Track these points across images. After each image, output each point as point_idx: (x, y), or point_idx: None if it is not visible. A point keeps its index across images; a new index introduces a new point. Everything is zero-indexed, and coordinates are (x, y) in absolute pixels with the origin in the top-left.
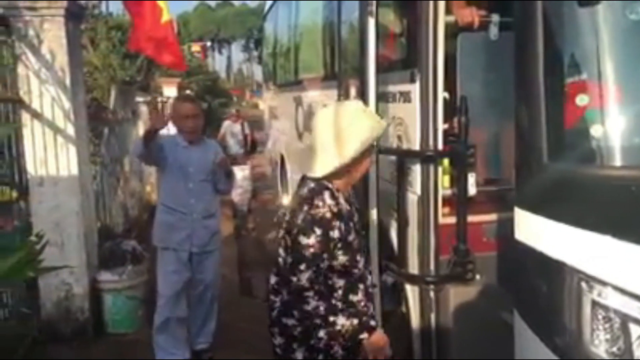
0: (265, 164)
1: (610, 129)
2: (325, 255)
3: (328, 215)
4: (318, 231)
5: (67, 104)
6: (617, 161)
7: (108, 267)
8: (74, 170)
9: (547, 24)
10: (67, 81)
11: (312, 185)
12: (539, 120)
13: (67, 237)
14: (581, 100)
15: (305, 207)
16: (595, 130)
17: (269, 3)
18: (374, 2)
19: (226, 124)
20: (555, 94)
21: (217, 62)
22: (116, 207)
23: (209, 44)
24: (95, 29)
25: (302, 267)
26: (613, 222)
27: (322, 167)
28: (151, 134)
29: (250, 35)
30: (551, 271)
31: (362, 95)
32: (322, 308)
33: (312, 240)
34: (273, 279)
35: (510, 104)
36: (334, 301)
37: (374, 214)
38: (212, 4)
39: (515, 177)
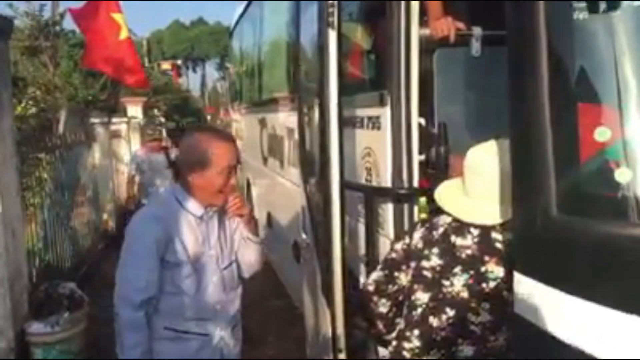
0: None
1: None
2: None
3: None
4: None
5: None
6: None
7: (40, 315)
8: None
9: (552, 35)
10: None
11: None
12: (544, 161)
13: None
14: (602, 134)
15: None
16: (621, 175)
17: (234, 20)
18: (335, 10)
19: (139, 154)
20: (565, 126)
21: (192, 81)
22: (64, 241)
23: (179, 62)
24: (56, 46)
25: None
26: None
27: (495, 214)
28: None
29: (224, 54)
30: (560, 356)
31: (322, 119)
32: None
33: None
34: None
35: (497, 131)
36: None
37: (336, 259)
38: (186, 22)
39: (513, 234)
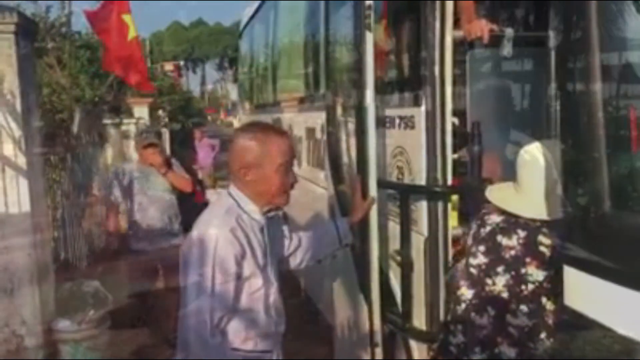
0: None
1: None
2: None
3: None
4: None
5: (17, 132)
6: None
7: (66, 313)
8: (26, 206)
9: (603, 35)
10: (18, 105)
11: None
12: (597, 155)
13: (18, 282)
14: None
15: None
16: None
17: (244, 21)
18: (372, 12)
19: (125, 169)
20: (618, 123)
21: (192, 82)
22: (80, 240)
23: (182, 63)
24: (62, 47)
25: None
26: None
27: (544, 211)
28: None
29: (224, 55)
30: (618, 351)
31: (359, 119)
32: None
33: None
34: None
35: (528, 128)
36: None
37: (374, 256)
38: (186, 23)
39: (565, 229)
